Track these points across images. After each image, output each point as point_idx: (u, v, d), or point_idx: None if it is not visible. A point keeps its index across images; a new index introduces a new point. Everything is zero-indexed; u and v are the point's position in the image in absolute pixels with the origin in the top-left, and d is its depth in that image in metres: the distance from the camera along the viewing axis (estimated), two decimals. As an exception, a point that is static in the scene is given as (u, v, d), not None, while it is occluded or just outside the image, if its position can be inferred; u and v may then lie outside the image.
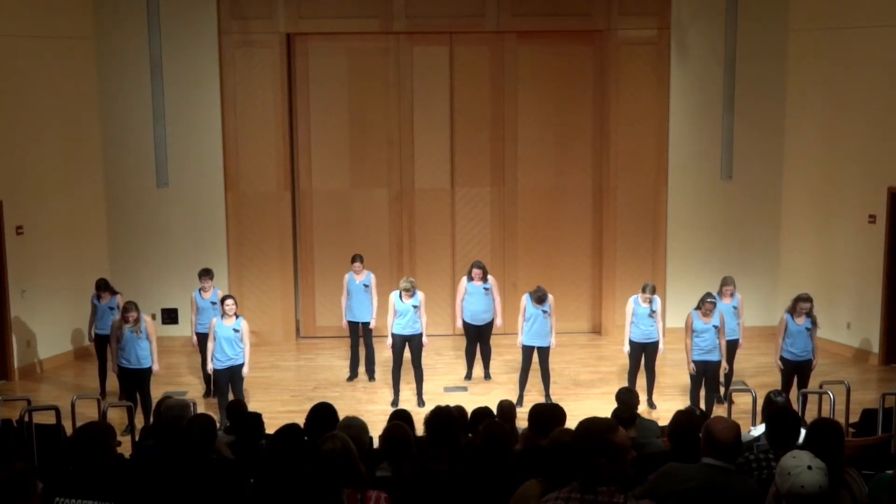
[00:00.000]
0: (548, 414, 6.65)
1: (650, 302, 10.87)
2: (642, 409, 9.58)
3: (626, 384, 10.40)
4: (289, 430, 5.67)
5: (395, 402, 11.11)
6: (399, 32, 13.54)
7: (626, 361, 11.23)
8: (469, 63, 13.77)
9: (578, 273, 14.15)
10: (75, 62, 12.99)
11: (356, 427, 5.58)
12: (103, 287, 11.60)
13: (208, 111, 13.38)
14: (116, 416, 10.31)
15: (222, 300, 10.59)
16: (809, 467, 3.86)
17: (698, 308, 10.42)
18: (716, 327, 10.34)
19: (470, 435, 6.46)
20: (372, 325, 12.19)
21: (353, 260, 12.16)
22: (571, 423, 6.87)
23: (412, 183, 13.91)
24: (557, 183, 14.02)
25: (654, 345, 11.03)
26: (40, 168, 12.58)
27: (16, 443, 6.48)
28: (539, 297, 10.99)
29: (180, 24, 13.18)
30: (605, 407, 8.28)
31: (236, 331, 10.39)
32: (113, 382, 11.36)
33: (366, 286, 12.12)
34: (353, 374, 12.31)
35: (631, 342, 11.03)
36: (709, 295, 10.47)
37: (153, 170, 13.44)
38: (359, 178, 13.93)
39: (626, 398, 7.85)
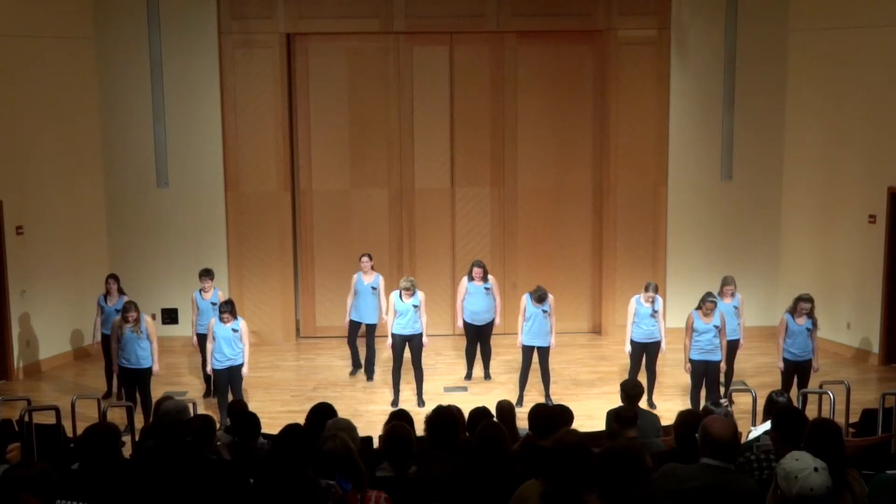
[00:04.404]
0: (548, 415, 6.66)
1: (652, 301, 10.88)
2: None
3: (626, 384, 10.40)
4: (291, 430, 5.65)
5: (395, 402, 11.11)
6: (399, 32, 13.54)
7: (627, 361, 11.24)
8: (469, 63, 13.77)
9: (578, 273, 14.15)
10: (75, 62, 12.99)
11: (346, 429, 5.56)
12: (114, 281, 11.57)
13: (208, 111, 13.38)
14: (116, 416, 10.31)
15: (220, 310, 10.53)
16: (815, 469, 3.87)
17: (699, 308, 10.42)
18: (716, 327, 10.35)
19: (467, 434, 6.46)
20: (377, 326, 12.18)
21: (362, 256, 12.15)
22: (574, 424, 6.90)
23: (412, 183, 13.92)
24: (557, 183, 14.03)
25: (656, 345, 11.03)
26: (40, 168, 12.57)
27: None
28: (539, 297, 10.99)
29: (180, 24, 13.18)
30: (605, 407, 8.27)
31: (235, 331, 10.38)
32: (101, 380, 11.43)
33: (373, 289, 12.12)
34: (356, 368, 12.31)
35: (632, 342, 11.03)
36: (709, 294, 10.47)
37: (153, 170, 13.44)
38: (359, 178, 13.93)
39: (632, 391, 7.89)
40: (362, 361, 12.37)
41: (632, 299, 11.08)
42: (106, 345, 11.55)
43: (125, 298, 11.38)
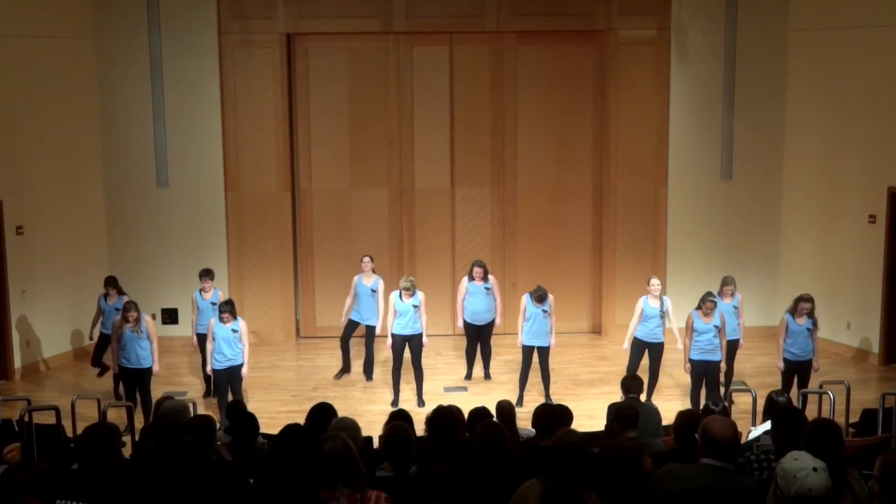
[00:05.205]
0: (551, 415, 6.66)
1: (659, 298, 10.88)
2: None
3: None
4: (291, 430, 5.66)
5: (395, 403, 11.11)
6: (399, 32, 13.54)
7: (627, 361, 11.20)
8: (469, 63, 13.77)
9: (578, 273, 14.15)
10: (75, 62, 12.99)
11: (349, 428, 5.57)
12: (112, 283, 11.59)
13: (208, 111, 13.38)
14: (116, 416, 10.31)
15: (219, 310, 10.51)
16: (815, 469, 3.88)
17: (699, 308, 10.42)
18: (716, 327, 10.35)
19: (467, 435, 6.46)
20: (378, 332, 12.16)
21: (363, 257, 12.17)
22: (574, 423, 6.90)
23: (412, 183, 13.92)
24: (557, 183, 14.03)
25: (659, 346, 11.00)
26: (40, 168, 12.57)
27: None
28: (539, 297, 10.99)
29: (180, 24, 13.18)
30: (605, 407, 8.26)
31: (235, 331, 10.38)
32: (102, 380, 11.40)
33: (373, 291, 12.10)
34: (344, 372, 12.29)
35: (635, 338, 11.02)
36: (709, 294, 10.48)
37: (153, 170, 13.44)
38: (359, 178, 13.94)
39: (630, 384, 7.84)
40: (351, 367, 12.33)
41: (640, 299, 11.08)
42: (100, 343, 11.56)
43: (125, 298, 11.39)
